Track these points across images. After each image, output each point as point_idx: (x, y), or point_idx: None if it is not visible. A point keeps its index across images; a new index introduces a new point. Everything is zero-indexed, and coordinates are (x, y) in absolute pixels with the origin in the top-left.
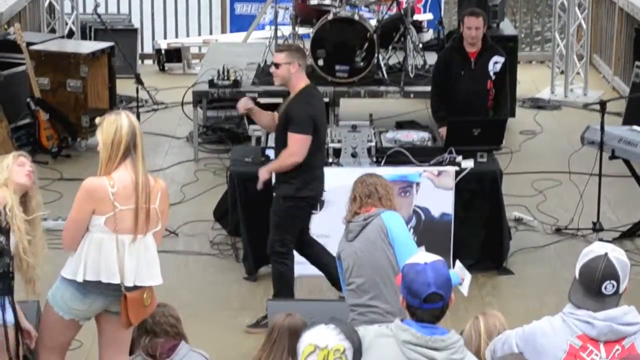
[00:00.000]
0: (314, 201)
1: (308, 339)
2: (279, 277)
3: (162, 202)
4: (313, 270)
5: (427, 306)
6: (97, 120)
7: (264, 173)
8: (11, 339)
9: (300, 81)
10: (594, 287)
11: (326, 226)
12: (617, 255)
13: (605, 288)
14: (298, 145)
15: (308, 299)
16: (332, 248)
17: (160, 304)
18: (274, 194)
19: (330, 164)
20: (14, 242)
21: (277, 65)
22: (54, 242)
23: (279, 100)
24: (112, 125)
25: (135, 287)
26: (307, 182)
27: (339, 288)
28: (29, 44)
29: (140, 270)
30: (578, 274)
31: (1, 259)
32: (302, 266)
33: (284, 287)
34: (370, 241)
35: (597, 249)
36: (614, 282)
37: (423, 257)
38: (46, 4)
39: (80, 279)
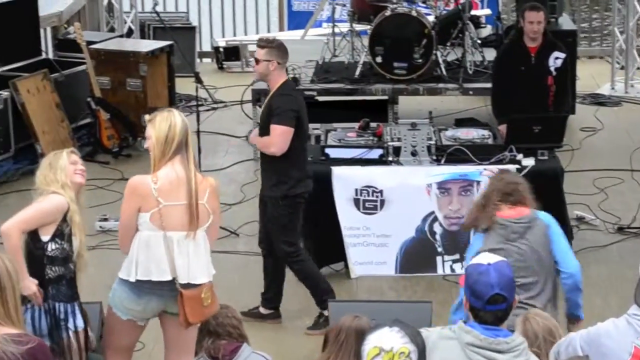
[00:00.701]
0: (307, 196)
1: (373, 342)
2: (305, 277)
3: (210, 198)
4: (373, 270)
5: (491, 307)
6: (147, 117)
7: (251, 138)
8: (81, 344)
9: (280, 78)
10: None
11: (387, 226)
12: None
13: None
14: (279, 136)
15: (369, 300)
16: (393, 248)
17: (222, 306)
18: (269, 198)
19: (390, 163)
20: (76, 246)
21: (257, 61)
22: (115, 243)
23: (337, 98)
24: (165, 122)
25: (190, 285)
26: (300, 179)
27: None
28: (88, 43)
29: (192, 267)
30: None
31: (67, 266)
32: (362, 266)
33: (316, 283)
34: (538, 243)
35: None
36: None
37: (486, 257)
38: (105, 2)
39: (132, 279)
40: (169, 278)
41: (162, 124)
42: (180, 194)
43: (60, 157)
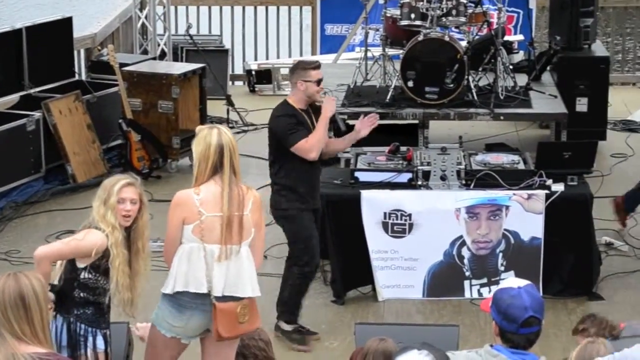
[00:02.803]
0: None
1: None
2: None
3: (254, 210)
4: (401, 293)
5: (524, 330)
6: (197, 129)
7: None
8: None
9: None
10: None
11: (415, 249)
12: None
13: None
14: None
15: (396, 323)
16: (421, 271)
17: None
18: (291, 213)
19: (419, 187)
20: (112, 287)
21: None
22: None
23: None
24: (202, 142)
25: (226, 298)
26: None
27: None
28: (121, 65)
29: (230, 281)
30: None
31: (97, 295)
32: (389, 290)
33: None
34: None
35: None
36: None
37: (514, 282)
38: (139, 25)
39: (170, 291)
40: (205, 291)
41: (199, 143)
42: (221, 205)
43: (112, 193)
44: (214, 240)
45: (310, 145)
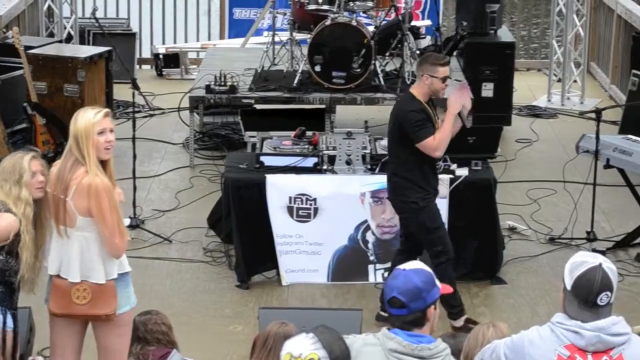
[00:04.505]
0: None
1: (287, 348)
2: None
3: (79, 198)
4: (305, 278)
5: (393, 312)
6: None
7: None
8: (7, 343)
9: None
10: (591, 299)
11: (320, 234)
12: (609, 265)
13: (601, 299)
14: None
15: (299, 307)
16: (326, 256)
17: (152, 312)
18: (421, 205)
19: (325, 172)
20: (23, 260)
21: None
22: None
23: (275, 106)
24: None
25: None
26: None
27: None
28: (27, 47)
29: (64, 262)
30: (572, 286)
31: (13, 278)
32: (294, 274)
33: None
34: None
35: (589, 259)
36: (609, 293)
37: (409, 265)
38: (45, 7)
39: None
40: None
41: None
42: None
43: (24, 170)
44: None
45: (438, 143)
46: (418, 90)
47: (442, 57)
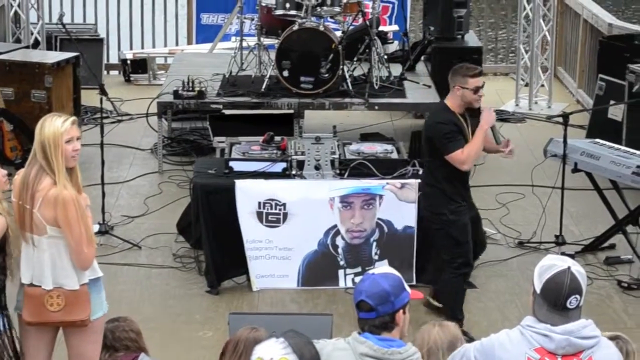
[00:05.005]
0: None
1: (257, 353)
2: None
3: (46, 208)
4: (275, 283)
5: (362, 315)
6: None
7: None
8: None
9: None
10: (560, 302)
11: (289, 239)
12: (578, 268)
13: (570, 303)
14: None
15: (270, 313)
16: (295, 261)
17: (121, 318)
18: (450, 218)
19: (293, 177)
20: (14, 256)
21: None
22: None
23: (243, 111)
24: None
25: (32, 284)
26: None
27: None
28: None
29: (36, 270)
30: (541, 289)
31: (2, 276)
32: (264, 279)
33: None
34: None
35: (558, 262)
36: (578, 296)
37: (379, 269)
38: (12, 13)
39: None
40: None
41: None
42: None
43: None
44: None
45: (466, 157)
46: (451, 102)
47: (473, 68)
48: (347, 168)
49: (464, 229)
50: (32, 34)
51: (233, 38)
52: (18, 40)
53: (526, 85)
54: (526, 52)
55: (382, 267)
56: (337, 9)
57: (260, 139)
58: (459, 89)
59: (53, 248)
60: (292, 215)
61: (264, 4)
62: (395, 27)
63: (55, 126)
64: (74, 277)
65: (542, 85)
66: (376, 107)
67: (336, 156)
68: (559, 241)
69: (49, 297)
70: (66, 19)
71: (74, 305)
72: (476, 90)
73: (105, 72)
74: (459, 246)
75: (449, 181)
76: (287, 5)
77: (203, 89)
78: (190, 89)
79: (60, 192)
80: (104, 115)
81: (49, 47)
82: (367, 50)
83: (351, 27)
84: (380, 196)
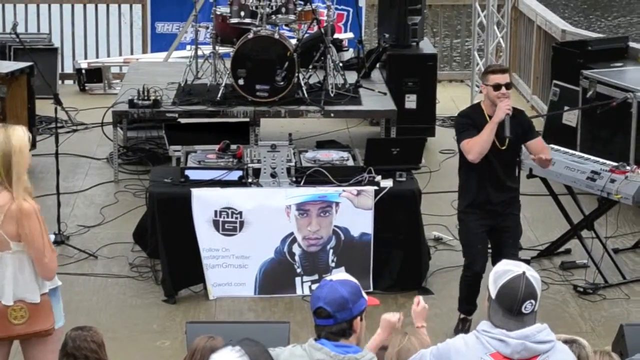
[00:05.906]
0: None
1: None
2: None
3: (7, 223)
4: (232, 291)
5: (319, 322)
6: None
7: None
8: None
9: None
10: (515, 307)
11: (246, 247)
12: (533, 273)
13: (525, 308)
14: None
15: (227, 321)
16: (252, 269)
17: (86, 328)
18: (460, 216)
19: (250, 185)
20: None
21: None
22: None
23: (199, 120)
24: None
25: None
26: None
27: None
28: None
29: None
30: (496, 294)
31: None
32: (221, 288)
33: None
34: None
35: (513, 268)
36: (533, 301)
37: (337, 276)
38: None
39: None
40: None
41: None
42: None
43: None
44: None
45: (470, 146)
46: (484, 101)
47: (497, 65)
48: (303, 176)
49: (468, 232)
50: None
51: (188, 47)
52: None
53: (481, 92)
54: (481, 58)
55: (340, 274)
56: (292, 17)
57: (216, 147)
58: (484, 87)
59: (16, 262)
60: (248, 223)
61: (218, 13)
62: (350, 35)
63: (21, 138)
64: (36, 290)
65: None
66: (332, 115)
67: (292, 164)
68: None
69: (12, 310)
70: (20, 29)
71: (38, 316)
72: (496, 87)
73: (60, 82)
74: (465, 247)
75: (467, 179)
76: (242, 13)
77: (158, 97)
78: (146, 97)
79: (21, 206)
80: (59, 125)
81: (3, 57)
82: (322, 58)
83: (306, 35)
84: (337, 203)
